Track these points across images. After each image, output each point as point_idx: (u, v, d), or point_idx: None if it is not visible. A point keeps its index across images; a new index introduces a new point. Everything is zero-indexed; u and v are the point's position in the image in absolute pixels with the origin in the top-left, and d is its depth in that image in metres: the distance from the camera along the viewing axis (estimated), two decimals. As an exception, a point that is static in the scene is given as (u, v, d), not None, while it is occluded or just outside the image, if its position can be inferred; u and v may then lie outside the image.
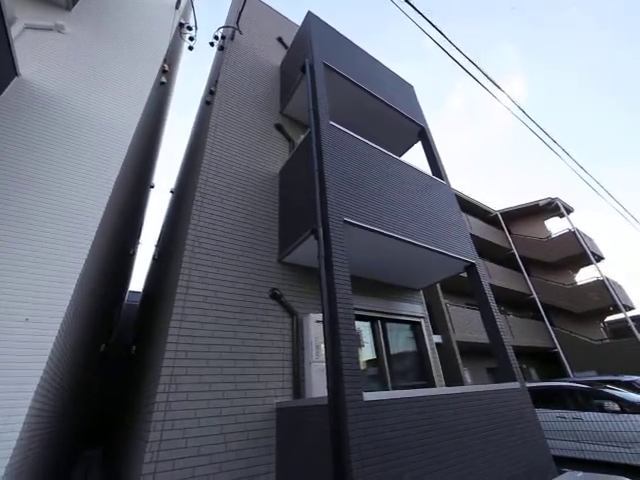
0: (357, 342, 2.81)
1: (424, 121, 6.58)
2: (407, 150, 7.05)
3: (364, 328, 4.72)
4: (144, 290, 11.16)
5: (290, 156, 4.96)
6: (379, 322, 4.86)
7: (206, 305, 3.39)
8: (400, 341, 5.18)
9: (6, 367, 2.40)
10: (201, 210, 3.93)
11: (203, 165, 4.29)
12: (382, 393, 2.76)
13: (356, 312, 3.72)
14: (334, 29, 6.24)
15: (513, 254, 17.38)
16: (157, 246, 9.01)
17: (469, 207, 17.09)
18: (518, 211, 19.07)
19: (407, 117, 6.22)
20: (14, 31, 3.58)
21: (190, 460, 2.69)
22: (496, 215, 18.68)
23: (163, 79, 5.19)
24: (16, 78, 3.54)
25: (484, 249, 15.41)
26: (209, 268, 3.61)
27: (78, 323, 3.71)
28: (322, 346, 3.52)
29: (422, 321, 5.45)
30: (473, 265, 4.72)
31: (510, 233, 18.48)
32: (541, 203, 18.08)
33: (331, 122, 4.26)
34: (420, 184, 4.94)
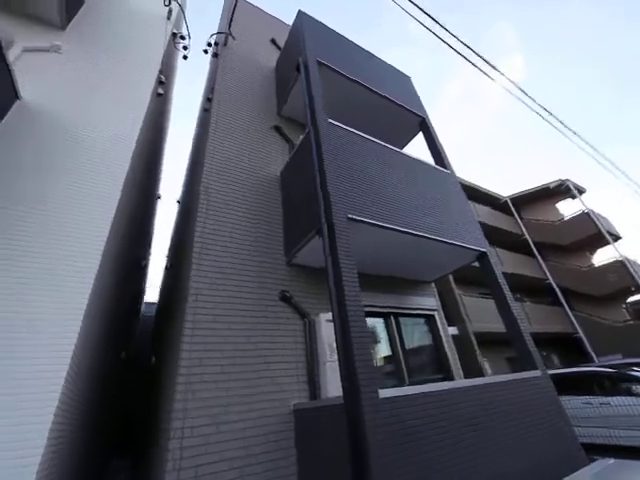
0: (370, 339, 2.77)
1: (424, 111, 6.48)
2: (409, 142, 6.96)
3: (377, 324, 4.68)
4: (159, 300, 11.33)
5: (290, 157, 4.94)
6: (392, 318, 4.81)
7: (217, 311, 3.40)
8: (415, 335, 5.12)
9: (31, 377, 2.45)
10: (206, 217, 3.95)
11: (205, 172, 4.31)
12: (398, 389, 2.72)
13: (368, 309, 3.69)
14: (326, 26, 6.20)
15: (526, 239, 16.97)
16: (168, 256, 9.13)
17: (477, 195, 16.76)
18: (528, 195, 18.63)
19: (407, 109, 6.13)
20: (12, 54, 3.64)
21: (212, 466, 2.71)
22: (505, 201, 18.27)
23: (160, 90, 5.23)
24: (17, 102, 3.61)
25: (495, 237, 15.09)
26: (217, 274, 3.62)
27: (96, 331, 3.77)
28: (335, 345, 3.49)
29: (436, 314, 5.37)
30: (485, 254, 4.62)
31: (521, 218, 18.04)
32: (551, 186, 17.63)
33: (329, 119, 4.22)
34: (424, 175, 4.87)
